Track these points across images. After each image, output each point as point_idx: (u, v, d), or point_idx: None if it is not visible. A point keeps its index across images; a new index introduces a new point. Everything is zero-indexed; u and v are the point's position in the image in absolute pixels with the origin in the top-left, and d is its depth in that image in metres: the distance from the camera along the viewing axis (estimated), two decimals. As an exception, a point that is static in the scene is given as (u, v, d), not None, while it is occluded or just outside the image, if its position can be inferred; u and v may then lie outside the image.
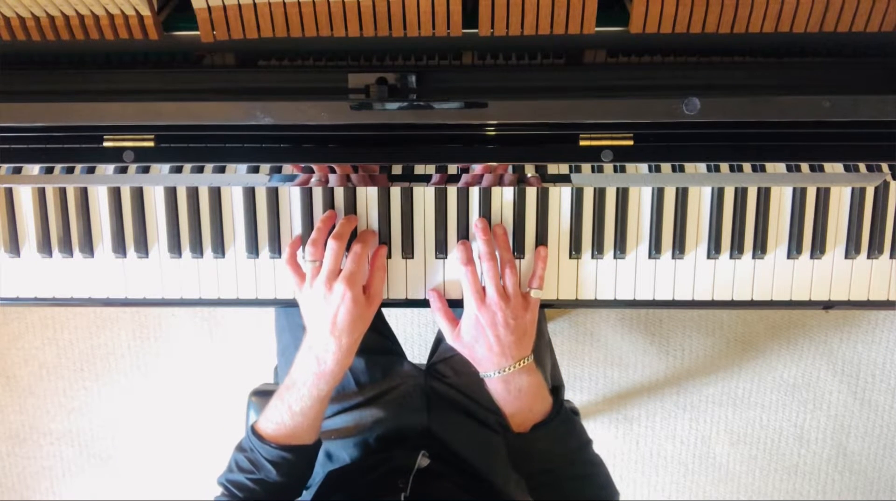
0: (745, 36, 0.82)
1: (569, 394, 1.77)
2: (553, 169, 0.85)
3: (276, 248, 0.93)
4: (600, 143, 0.82)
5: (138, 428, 1.91)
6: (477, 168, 0.85)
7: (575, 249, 0.92)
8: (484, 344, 0.87)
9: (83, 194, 0.93)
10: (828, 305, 0.94)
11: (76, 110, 0.80)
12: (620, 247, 0.92)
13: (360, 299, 0.85)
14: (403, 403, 1.04)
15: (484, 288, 0.88)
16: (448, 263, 0.93)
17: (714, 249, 0.92)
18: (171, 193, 0.92)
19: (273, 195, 0.92)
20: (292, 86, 0.84)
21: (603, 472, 0.89)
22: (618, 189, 0.91)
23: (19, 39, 0.83)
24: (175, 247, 0.93)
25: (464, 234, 0.92)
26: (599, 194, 0.91)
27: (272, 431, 0.86)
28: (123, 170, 0.85)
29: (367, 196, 0.92)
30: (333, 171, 0.85)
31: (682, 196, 0.91)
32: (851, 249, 0.91)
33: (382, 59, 0.84)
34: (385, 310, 1.12)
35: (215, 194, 0.92)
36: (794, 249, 0.91)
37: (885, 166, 0.83)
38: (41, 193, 0.93)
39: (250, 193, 0.92)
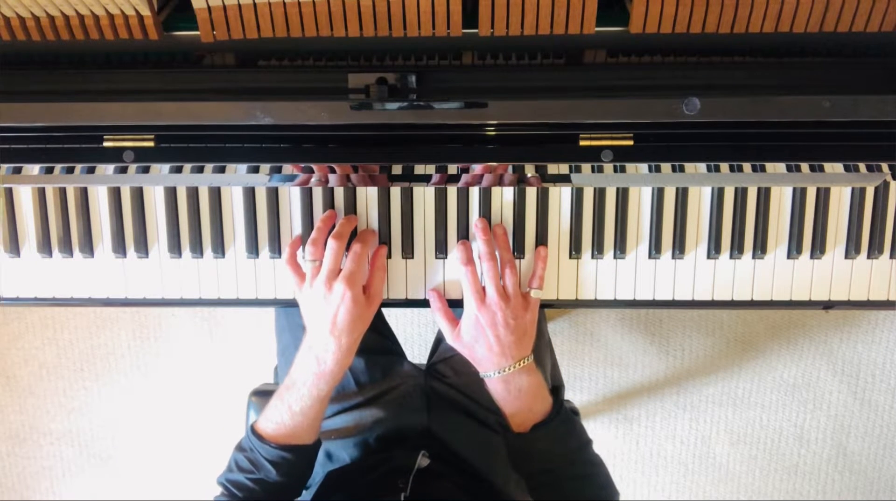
0: (745, 36, 0.82)
1: (569, 394, 1.77)
2: (553, 169, 0.85)
3: (276, 248, 0.93)
4: (600, 143, 0.82)
5: (138, 428, 1.91)
6: (477, 168, 0.85)
7: (575, 249, 0.92)
8: (484, 344, 0.87)
9: (83, 194, 0.93)
10: (828, 305, 0.94)
11: (76, 110, 0.80)
12: (620, 247, 0.92)
13: (359, 299, 0.85)
14: (403, 403, 1.04)
15: (484, 288, 0.88)
16: (448, 263, 0.93)
17: (714, 249, 0.92)
18: (171, 193, 0.92)
19: (273, 195, 0.92)
20: (292, 86, 0.84)
21: (603, 472, 0.89)
22: (618, 189, 0.91)
23: (19, 39, 0.83)
24: (175, 247, 0.93)
25: (464, 234, 0.92)
26: (599, 194, 0.91)
27: (272, 431, 0.86)
28: (123, 170, 0.85)
29: (367, 196, 0.92)
30: (333, 171, 0.85)
31: (682, 196, 0.91)
32: (851, 249, 0.91)
33: (382, 59, 0.84)
34: (385, 310, 1.12)
35: (215, 194, 0.92)
36: (794, 249, 0.91)
37: (885, 166, 0.83)
38: (41, 193, 0.93)
39: (250, 193, 0.92)
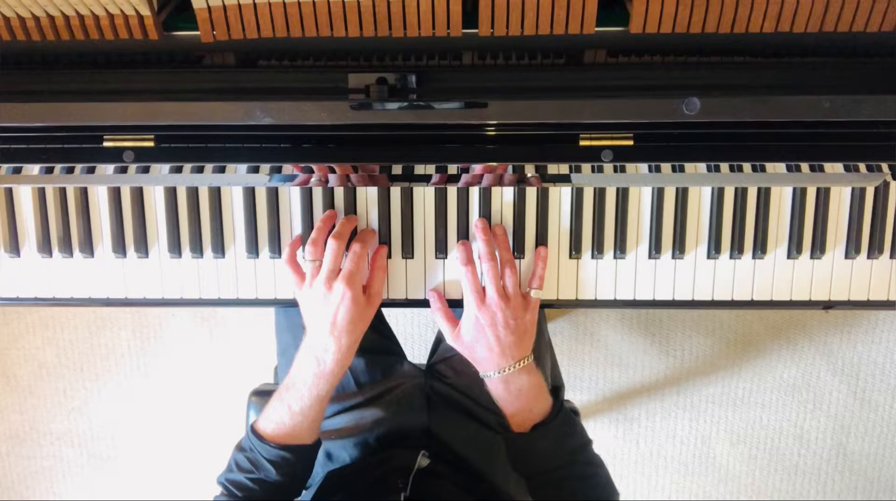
0: (745, 36, 0.82)
1: (569, 394, 1.77)
2: (553, 169, 0.85)
3: (275, 248, 0.93)
4: (600, 143, 0.82)
5: (138, 428, 1.91)
6: (477, 168, 0.85)
7: (575, 249, 0.92)
8: (484, 345, 0.86)
9: (83, 194, 0.93)
10: (828, 305, 0.94)
11: (76, 110, 0.80)
12: (620, 247, 0.92)
13: (359, 299, 0.85)
14: (403, 403, 1.04)
15: (484, 289, 0.88)
16: (448, 263, 0.93)
17: (714, 249, 0.92)
18: (171, 193, 0.92)
19: (273, 195, 0.92)
20: (292, 86, 0.84)
21: (603, 472, 0.89)
22: (618, 189, 0.91)
23: (19, 39, 0.83)
24: (175, 247, 0.93)
25: (464, 234, 0.92)
26: (599, 194, 0.91)
27: (272, 431, 0.86)
28: (123, 170, 0.85)
29: (367, 196, 0.92)
30: (333, 171, 0.85)
31: (682, 196, 0.91)
32: (851, 249, 0.91)
33: (382, 59, 0.84)
34: (385, 310, 1.12)
35: (215, 194, 0.92)
36: (794, 249, 0.91)
37: (885, 166, 0.84)
38: (41, 193, 0.93)
39: (250, 193, 0.92)
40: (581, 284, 0.94)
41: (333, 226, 0.89)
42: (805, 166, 0.83)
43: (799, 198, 0.91)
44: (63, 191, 0.93)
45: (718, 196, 0.91)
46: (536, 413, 0.87)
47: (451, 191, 0.91)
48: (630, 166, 0.84)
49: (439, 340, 1.15)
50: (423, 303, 0.94)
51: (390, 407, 1.02)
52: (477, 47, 0.84)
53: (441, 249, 0.93)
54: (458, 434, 1.01)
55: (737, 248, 0.91)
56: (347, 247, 0.88)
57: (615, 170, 0.84)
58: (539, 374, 0.89)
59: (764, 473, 1.88)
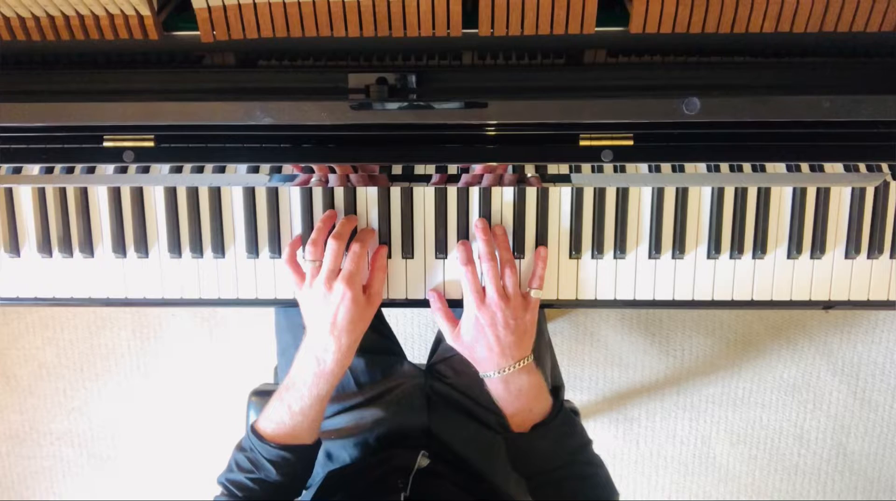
0: (745, 36, 0.82)
1: (569, 394, 1.77)
2: (553, 169, 0.85)
3: (275, 248, 0.93)
4: (600, 143, 0.82)
5: (138, 428, 1.91)
6: (477, 168, 0.85)
7: (575, 249, 0.92)
8: (484, 345, 0.86)
9: (83, 194, 0.93)
10: (828, 305, 0.94)
11: (76, 110, 0.80)
12: (620, 247, 0.92)
13: (359, 299, 0.85)
14: (403, 403, 1.04)
15: (484, 289, 0.88)
16: (448, 263, 0.93)
17: (714, 249, 0.91)
18: (171, 193, 0.92)
19: (273, 195, 0.92)
20: (292, 86, 0.84)
21: (603, 472, 0.89)
22: (618, 189, 0.91)
23: (19, 39, 0.83)
24: (175, 247, 0.93)
25: (464, 234, 0.92)
26: (599, 194, 0.91)
27: (272, 431, 0.86)
28: (123, 170, 0.85)
29: (367, 196, 0.92)
30: (333, 171, 0.85)
31: (682, 196, 0.91)
32: (851, 249, 0.91)
33: (382, 59, 0.84)
34: (385, 310, 1.12)
35: (215, 194, 0.92)
36: (794, 249, 0.91)
37: (885, 166, 0.83)
38: (41, 193, 0.93)
39: (250, 193, 0.92)
40: (581, 284, 0.94)
41: (333, 227, 0.89)
42: (805, 166, 0.83)
43: (799, 198, 0.91)
44: (63, 191, 0.93)
45: (718, 196, 0.91)
46: (536, 413, 0.87)
47: (451, 191, 0.91)
48: (630, 166, 0.84)
49: (439, 340, 1.15)
50: (423, 303, 0.94)
51: (390, 407, 1.02)
52: (477, 47, 0.84)
53: (441, 249, 0.93)
54: (458, 434, 1.01)
55: (737, 248, 0.91)
56: (347, 247, 0.88)
57: (615, 170, 0.84)
58: (539, 374, 0.89)
59: (764, 473, 1.88)
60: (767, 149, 0.82)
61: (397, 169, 0.85)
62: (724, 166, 0.84)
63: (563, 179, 0.87)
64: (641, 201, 0.91)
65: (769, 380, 1.84)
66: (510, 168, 0.84)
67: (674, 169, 0.84)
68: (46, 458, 1.94)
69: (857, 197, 0.90)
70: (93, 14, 0.81)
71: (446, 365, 1.08)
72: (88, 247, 0.93)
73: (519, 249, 0.92)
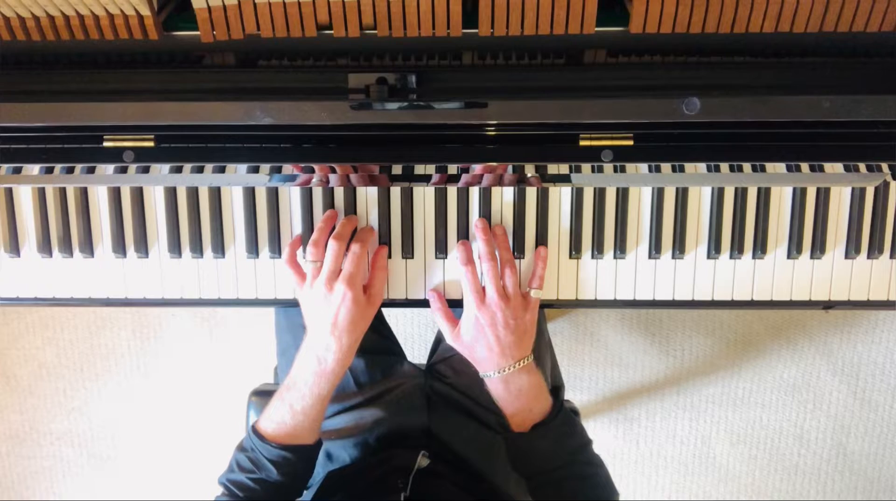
0: (745, 36, 0.82)
1: (569, 394, 1.77)
2: (553, 169, 0.85)
3: (276, 248, 0.93)
4: (600, 143, 0.82)
5: (138, 428, 1.91)
6: (477, 168, 0.85)
7: (575, 249, 0.92)
8: (483, 344, 0.86)
9: (83, 194, 0.93)
10: (828, 305, 0.94)
11: (76, 110, 0.80)
12: (620, 247, 0.92)
13: (360, 299, 0.85)
14: (403, 403, 1.04)
15: (484, 288, 0.88)
16: (448, 263, 0.93)
17: (714, 249, 0.91)
18: (171, 193, 0.92)
19: (273, 195, 0.92)
20: (292, 86, 0.84)
21: (603, 472, 0.89)
22: (618, 189, 0.91)
23: (19, 39, 0.83)
24: (175, 247, 0.93)
25: (464, 234, 0.92)
26: (599, 194, 0.91)
27: (273, 430, 0.86)
28: (123, 170, 0.85)
29: (367, 196, 0.92)
30: (334, 171, 0.85)
31: (682, 196, 0.91)
32: (851, 249, 0.91)
33: (382, 59, 0.84)
34: (385, 310, 1.12)
35: (215, 194, 0.92)
36: (794, 249, 0.91)
37: (885, 166, 0.83)
38: (41, 193, 0.93)
39: (250, 193, 0.92)
40: (581, 284, 0.94)
41: (334, 227, 0.89)
42: (805, 166, 0.83)
43: (799, 198, 0.91)
44: (63, 191, 0.93)
45: (718, 196, 0.91)
46: (536, 412, 0.87)
47: (451, 191, 0.91)
48: (630, 166, 0.84)
49: (439, 340, 1.15)
50: (423, 303, 0.94)
51: (390, 407, 1.02)
52: (477, 47, 0.84)
53: (441, 249, 0.93)
54: (458, 434, 1.01)
55: (737, 248, 0.91)
56: (347, 248, 0.88)
57: (615, 170, 0.84)
58: (539, 374, 0.89)
59: (764, 473, 1.88)
60: (767, 149, 0.82)
61: (397, 169, 0.85)
62: (724, 166, 0.84)
63: (563, 179, 0.87)
64: (641, 201, 0.91)
65: (769, 380, 1.84)
66: (510, 168, 0.84)
67: (674, 169, 0.84)
68: (46, 458, 1.94)
69: (857, 197, 0.90)
70: (93, 14, 0.81)
71: (446, 365, 1.08)
72: (88, 247, 0.93)
73: (519, 249, 0.92)
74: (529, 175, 0.86)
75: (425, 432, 1.01)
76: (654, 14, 0.80)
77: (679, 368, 1.84)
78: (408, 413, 1.03)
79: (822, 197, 0.91)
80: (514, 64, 0.85)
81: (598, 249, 0.92)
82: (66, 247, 0.94)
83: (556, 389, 0.94)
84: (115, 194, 0.93)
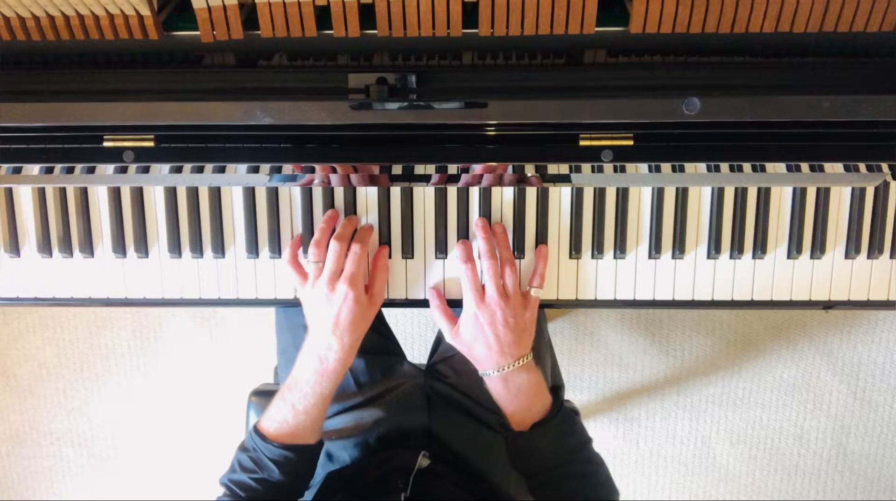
0: (745, 36, 0.82)
1: (569, 394, 1.77)
2: (553, 169, 0.85)
3: (276, 248, 0.93)
4: (600, 143, 0.82)
5: (138, 428, 1.91)
6: (477, 168, 0.85)
7: (575, 249, 0.92)
8: (483, 343, 0.87)
9: (83, 194, 0.93)
10: (828, 305, 0.94)
11: (76, 110, 0.80)
12: (620, 247, 0.92)
13: (362, 299, 0.85)
14: (403, 403, 1.04)
15: (483, 287, 0.88)
16: (448, 263, 0.93)
17: (714, 249, 0.92)
18: (171, 193, 0.92)
19: (273, 195, 0.92)
20: (292, 86, 0.84)
21: (603, 471, 0.89)
22: (618, 189, 0.91)
23: (19, 39, 0.83)
24: (175, 247, 0.93)
25: (464, 234, 0.92)
26: (599, 194, 0.91)
27: (274, 430, 0.86)
28: (123, 170, 0.85)
29: (368, 196, 0.92)
30: (334, 171, 0.85)
31: (682, 196, 0.91)
32: (851, 249, 0.91)
33: (382, 59, 0.84)
34: (385, 310, 1.12)
35: (215, 194, 0.92)
36: (794, 249, 0.91)
37: (885, 166, 0.83)
38: (41, 193, 0.93)
39: (250, 193, 0.92)
40: (581, 284, 0.94)
41: (335, 228, 0.89)
42: (805, 166, 0.83)
43: (799, 198, 0.91)
44: (63, 191, 0.93)
45: (718, 196, 0.91)
46: (536, 411, 0.87)
47: (451, 191, 0.91)
48: (630, 166, 0.84)
49: (439, 340, 1.15)
50: (423, 303, 0.94)
51: (390, 408, 1.02)
52: (477, 47, 0.84)
53: (441, 249, 0.93)
54: (458, 434, 1.01)
55: (737, 248, 0.91)
56: (348, 248, 0.88)
57: (615, 170, 0.84)
58: (538, 373, 0.89)
59: (764, 473, 1.88)
60: (767, 149, 0.82)
61: (397, 169, 0.85)
62: (724, 166, 0.84)
63: (563, 179, 0.87)
64: (641, 201, 0.92)
65: (769, 380, 1.84)
66: (510, 168, 0.84)
67: (674, 169, 0.84)
68: (46, 458, 1.94)
69: (857, 197, 0.90)
70: (93, 14, 0.81)
71: (446, 364, 1.08)
72: (88, 247, 0.93)
73: (519, 249, 0.92)
74: (529, 175, 0.86)
75: (425, 432, 1.01)
76: (654, 14, 0.80)
77: (679, 368, 1.84)
78: (408, 413, 1.03)
79: (822, 197, 0.91)
80: (514, 64, 0.85)
81: (598, 249, 0.92)
82: (66, 247, 0.94)
83: (556, 388, 0.94)
84: (115, 194, 0.93)
